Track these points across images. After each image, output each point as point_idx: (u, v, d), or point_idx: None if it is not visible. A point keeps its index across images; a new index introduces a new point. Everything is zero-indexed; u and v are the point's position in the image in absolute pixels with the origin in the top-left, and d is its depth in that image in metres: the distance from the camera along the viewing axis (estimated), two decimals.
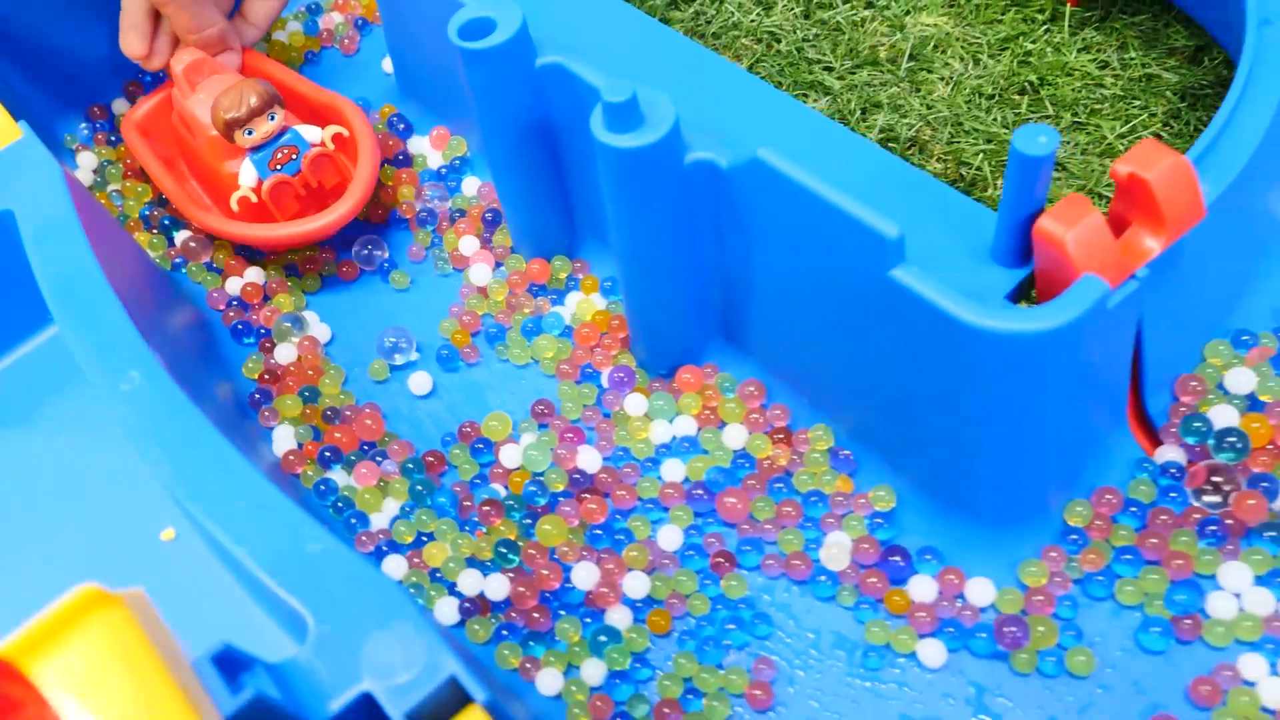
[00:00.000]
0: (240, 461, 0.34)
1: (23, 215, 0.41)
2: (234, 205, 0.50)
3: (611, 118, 0.37)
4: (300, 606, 0.30)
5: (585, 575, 0.41)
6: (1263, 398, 0.41)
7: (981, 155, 0.54)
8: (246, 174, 0.49)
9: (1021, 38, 0.58)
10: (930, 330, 0.35)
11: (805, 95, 0.58)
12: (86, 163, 0.58)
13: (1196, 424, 0.41)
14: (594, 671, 0.39)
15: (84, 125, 0.59)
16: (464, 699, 0.28)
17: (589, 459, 0.44)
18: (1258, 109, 0.39)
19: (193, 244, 0.52)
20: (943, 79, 0.57)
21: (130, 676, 0.25)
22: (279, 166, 0.49)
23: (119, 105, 0.60)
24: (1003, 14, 0.59)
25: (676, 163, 0.39)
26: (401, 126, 0.56)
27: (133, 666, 0.25)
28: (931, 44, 0.59)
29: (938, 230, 0.40)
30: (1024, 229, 0.36)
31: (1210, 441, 0.40)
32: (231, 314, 0.51)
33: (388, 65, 0.58)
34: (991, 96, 0.56)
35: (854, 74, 0.58)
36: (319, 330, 0.50)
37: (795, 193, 0.36)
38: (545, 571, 0.41)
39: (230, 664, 0.27)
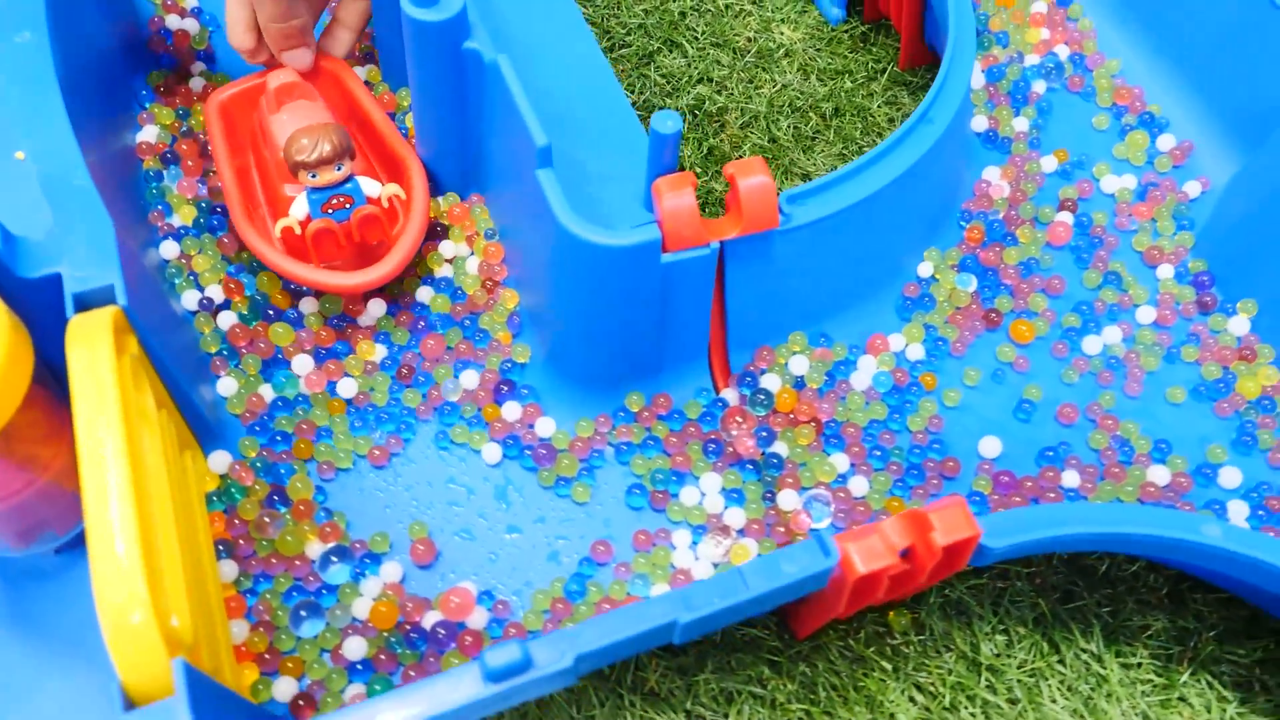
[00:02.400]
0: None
1: None
2: (276, 231, 0.51)
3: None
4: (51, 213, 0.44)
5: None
6: (810, 383, 0.55)
7: (759, 149, 0.66)
8: (298, 207, 0.51)
9: (847, 75, 0.70)
10: (549, 226, 0.49)
11: (660, 49, 0.70)
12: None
13: (749, 379, 0.55)
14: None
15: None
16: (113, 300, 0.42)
17: None
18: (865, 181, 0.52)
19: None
20: (772, 81, 0.70)
21: None
22: (330, 211, 0.51)
23: (195, 83, 0.62)
24: (849, 52, 0.71)
25: (457, 44, 0.52)
26: None
27: None
28: (781, 51, 0.71)
29: (628, 175, 0.54)
30: None
31: (749, 393, 0.54)
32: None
33: None
34: (797, 109, 0.69)
35: (709, 50, 0.71)
36: None
37: (505, 95, 0.49)
38: None
39: None
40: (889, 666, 0.49)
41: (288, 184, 0.54)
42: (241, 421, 0.52)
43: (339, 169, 0.50)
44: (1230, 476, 0.53)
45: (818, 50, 0.71)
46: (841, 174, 0.52)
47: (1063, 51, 0.67)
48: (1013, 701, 0.49)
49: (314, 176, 0.50)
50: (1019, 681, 0.49)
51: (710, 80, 0.69)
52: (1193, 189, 0.63)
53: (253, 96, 0.57)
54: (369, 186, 0.52)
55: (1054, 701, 0.49)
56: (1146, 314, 0.58)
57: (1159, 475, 0.53)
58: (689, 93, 0.68)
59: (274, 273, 0.54)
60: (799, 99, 0.69)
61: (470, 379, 0.54)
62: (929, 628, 0.50)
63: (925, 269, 0.59)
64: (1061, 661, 0.50)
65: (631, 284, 0.48)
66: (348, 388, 0.54)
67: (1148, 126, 0.65)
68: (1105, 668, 0.50)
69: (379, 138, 0.56)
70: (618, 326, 0.51)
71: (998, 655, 0.50)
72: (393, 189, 0.52)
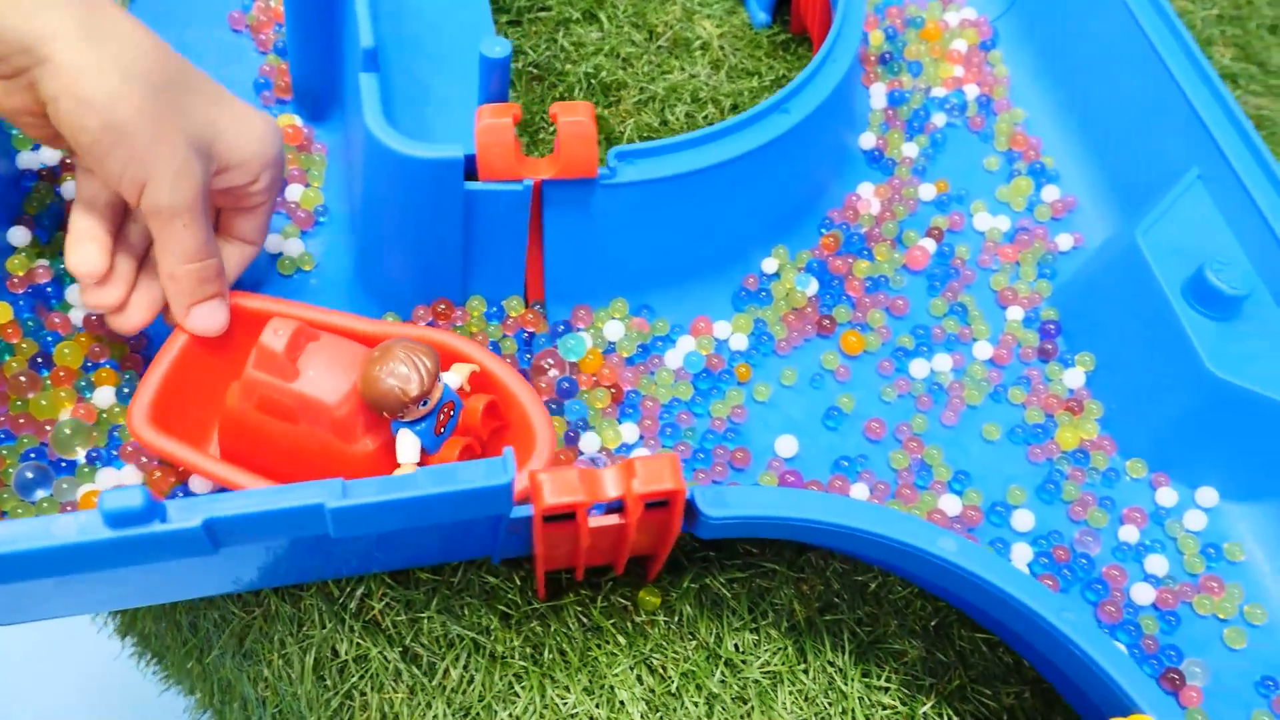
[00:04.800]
0: None
1: None
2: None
3: None
4: None
5: None
6: (621, 351, 0.54)
7: (647, 129, 0.66)
8: (408, 449, 0.42)
9: (757, 77, 0.70)
10: (360, 131, 0.48)
11: (578, 18, 0.70)
12: None
13: (561, 332, 0.53)
14: None
15: None
16: None
17: None
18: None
19: None
20: (680, 69, 0.69)
21: None
22: (443, 431, 0.43)
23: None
24: (766, 56, 0.71)
25: None
26: None
27: None
28: (698, 43, 0.71)
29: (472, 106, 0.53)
30: None
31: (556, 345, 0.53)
32: None
33: None
34: (698, 99, 0.68)
35: (626, 28, 0.70)
36: None
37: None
38: None
39: None
40: (624, 642, 0.48)
41: (359, 441, 0.43)
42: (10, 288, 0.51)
43: (440, 379, 0.42)
44: (1023, 519, 0.52)
45: (735, 49, 0.71)
46: (678, 141, 0.51)
47: (972, 91, 0.67)
48: (742, 700, 0.47)
49: (425, 404, 0.42)
50: (755, 682, 0.47)
51: (618, 56, 0.69)
52: (1064, 242, 0.62)
53: (180, 383, 0.45)
54: (449, 378, 0.44)
55: (786, 709, 0.47)
56: (983, 350, 0.57)
57: (950, 505, 0.51)
58: (590, 61, 0.68)
59: None
60: (702, 90, 0.68)
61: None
62: (679, 612, 0.49)
63: (770, 264, 0.58)
64: (805, 670, 0.48)
65: (429, 201, 0.47)
66: None
67: (1037, 176, 0.64)
68: (848, 684, 0.48)
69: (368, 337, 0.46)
70: (415, 243, 0.50)
71: (741, 652, 0.48)
72: (466, 368, 0.45)
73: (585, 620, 0.48)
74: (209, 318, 0.44)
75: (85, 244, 0.42)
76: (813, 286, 0.57)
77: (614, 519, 0.39)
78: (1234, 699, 0.49)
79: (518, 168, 0.48)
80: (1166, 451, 0.54)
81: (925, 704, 0.48)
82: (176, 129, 0.39)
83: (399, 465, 0.42)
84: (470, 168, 0.48)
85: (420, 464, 0.42)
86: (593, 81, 0.67)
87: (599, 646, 0.47)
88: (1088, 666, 0.39)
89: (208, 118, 0.41)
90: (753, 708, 0.47)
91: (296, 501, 0.33)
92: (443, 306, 0.52)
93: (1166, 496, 0.54)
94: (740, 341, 0.55)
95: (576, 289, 0.54)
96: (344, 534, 0.34)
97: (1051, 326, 0.58)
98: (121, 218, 0.44)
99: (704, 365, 0.54)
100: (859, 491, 0.51)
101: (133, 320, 0.44)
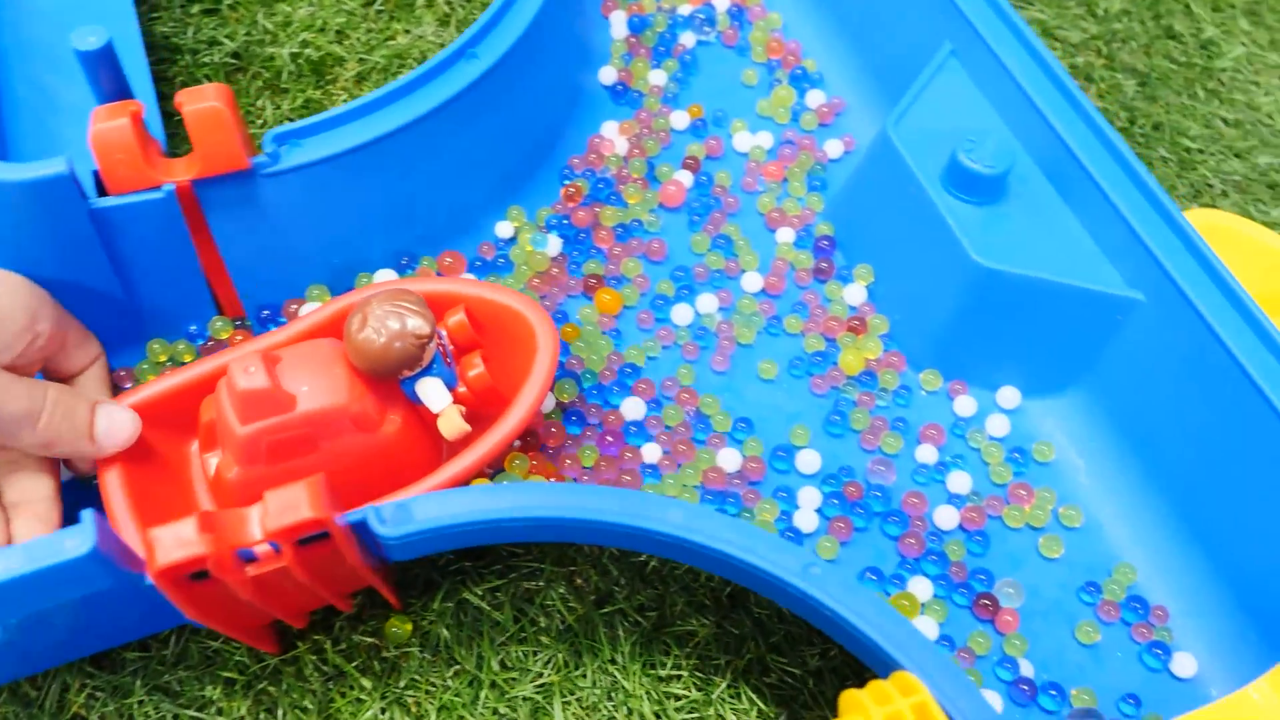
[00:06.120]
0: None
1: None
2: (453, 435, 0.40)
3: None
4: None
5: None
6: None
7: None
8: (437, 395, 0.40)
9: None
10: None
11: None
12: None
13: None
14: None
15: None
16: None
17: None
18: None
19: None
20: (406, 30, 0.63)
21: None
22: (449, 359, 0.41)
23: None
24: None
25: None
26: None
27: None
28: (421, 0, 0.64)
29: None
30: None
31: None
32: None
33: None
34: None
35: None
36: None
37: None
38: None
39: None
40: (369, 684, 0.42)
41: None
42: None
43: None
44: (808, 460, 0.46)
45: (463, 1, 0.65)
46: (344, 112, 0.45)
47: (721, 3, 0.61)
48: None
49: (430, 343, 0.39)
50: (525, 700, 0.42)
51: (327, 29, 0.62)
52: (834, 149, 0.56)
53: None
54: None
55: None
56: (753, 281, 0.52)
57: (728, 460, 0.46)
58: (297, 38, 0.61)
59: None
60: (431, 50, 0.62)
61: None
62: (435, 637, 0.43)
63: (505, 229, 0.52)
64: (583, 675, 0.43)
65: (46, 231, 0.41)
66: None
67: (799, 83, 0.59)
68: (631, 681, 0.43)
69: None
70: (55, 287, 0.43)
71: (509, 669, 0.43)
72: (459, 317, 0.43)
73: (324, 668, 0.42)
74: (112, 423, 0.39)
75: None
76: (554, 245, 0.51)
77: (276, 563, 0.33)
78: (1056, 612, 0.44)
79: (150, 172, 0.41)
80: (957, 357, 0.49)
81: (720, 686, 0.43)
82: None
83: (440, 416, 0.40)
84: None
85: (464, 401, 0.42)
86: (300, 62, 0.60)
87: (342, 694, 0.42)
88: (842, 626, 0.34)
89: None
90: None
91: None
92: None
93: (965, 405, 0.49)
94: None
95: (277, 289, 0.48)
96: None
97: (826, 243, 0.53)
98: None
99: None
100: (650, 453, 0.46)
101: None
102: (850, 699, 0.31)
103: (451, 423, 0.40)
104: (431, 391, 0.40)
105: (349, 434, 0.39)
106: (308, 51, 0.60)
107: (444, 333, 0.42)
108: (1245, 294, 0.43)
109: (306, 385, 0.38)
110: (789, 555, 0.35)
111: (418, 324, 0.38)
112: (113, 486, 0.39)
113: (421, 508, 0.35)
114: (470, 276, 0.50)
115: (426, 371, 0.40)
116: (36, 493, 0.39)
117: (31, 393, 0.37)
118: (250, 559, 0.34)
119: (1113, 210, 0.46)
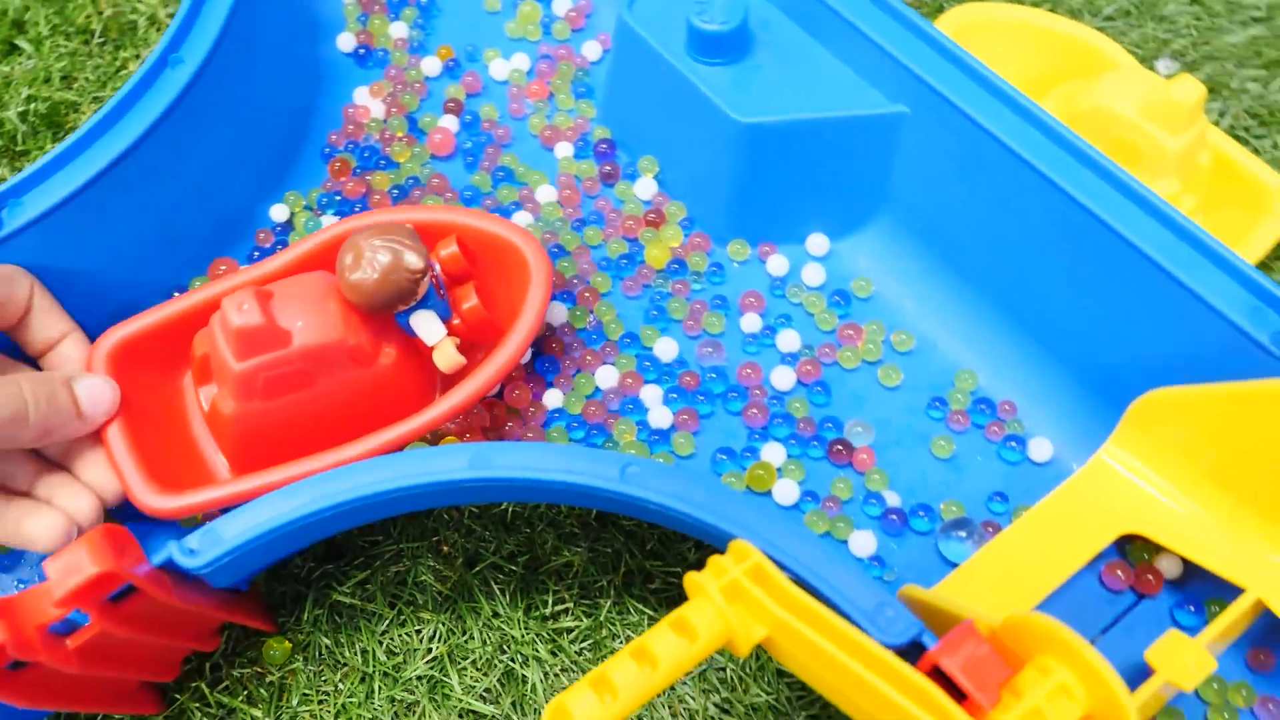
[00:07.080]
0: None
1: None
2: (448, 367, 0.40)
3: None
4: None
5: None
6: None
7: None
8: (432, 328, 0.40)
9: None
10: None
11: None
12: None
13: None
14: None
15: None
16: None
17: None
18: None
19: None
20: (137, 56, 0.60)
21: None
22: (443, 291, 0.41)
23: None
24: None
25: None
26: None
27: None
28: (146, 21, 0.61)
29: None
30: None
31: None
32: None
33: None
34: None
35: (57, 38, 0.60)
36: None
37: None
38: None
39: None
40: (260, 713, 0.41)
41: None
42: None
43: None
44: (605, 376, 0.46)
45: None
46: (58, 154, 0.42)
47: None
48: (411, 706, 0.41)
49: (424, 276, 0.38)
50: (420, 679, 0.42)
51: (51, 78, 0.59)
52: (592, 50, 0.55)
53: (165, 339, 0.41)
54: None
55: (463, 688, 0.41)
56: (547, 195, 0.51)
57: (552, 398, 0.45)
58: (20, 95, 0.58)
59: None
60: None
61: None
62: (316, 647, 0.42)
63: (280, 212, 0.50)
64: (470, 638, 0.42)
65: None
66: None
67: None
68: (518, 629, 0.42)
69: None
70: None
71: (396, 655, 0.42)
72: (452, 248, 0.42)
73: (211, 711, 0.41)
74: (91, 393, 0.39)
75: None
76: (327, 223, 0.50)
77: (91, 631, 0.32)
78: (909, 437, 0.45)
79: None
80: (757, 220, 0.49)
81: (605, 606, 0.43)
82: None
83: (435, 349, 0.40)
84: None
85: (456, 333, 0.41)
86: (31, 118, 0.57)
87: None
88: (674, 516, 0.34)
89: None
90: (424, 708, 0.41)
91: None
92: None
93: (778, 265, 0.49)
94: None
95: None
96: None
97: (604, 146, 0.52)
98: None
99: None
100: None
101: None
102: (691, 581, 0.31)
103: (447, 355, 0.40)
104: (426, 324, 0.40)
105: (345, 368, 0.38)
106: (35, 105, 0.57)
107: (436, 264, 0.41)
108: (998, 78, 0.43)
109: (301, 321, 0.37)
110: (604, 464, 0.34)
111: (412, 259, 0.37)
112: (114, 438, 0.38)
113: (228, 527, 0.34)
114: (461, 205, 0.48)
115: (421, 304, 0.39)
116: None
117: (8, 390, 0.36)
118: (73, 629, 0.33)
119: (858, 34, 0.45)
